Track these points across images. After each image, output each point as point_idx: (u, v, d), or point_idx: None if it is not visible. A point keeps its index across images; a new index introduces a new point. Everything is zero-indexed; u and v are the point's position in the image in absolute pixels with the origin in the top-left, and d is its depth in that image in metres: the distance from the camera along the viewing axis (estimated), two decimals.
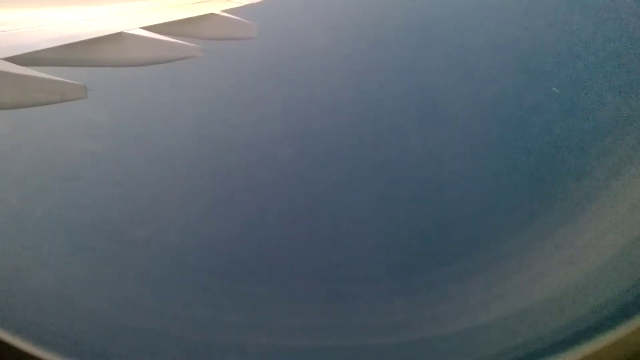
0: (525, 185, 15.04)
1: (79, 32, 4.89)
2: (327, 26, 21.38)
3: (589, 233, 10.68)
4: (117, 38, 5.15)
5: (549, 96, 17.86)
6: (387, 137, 17.31)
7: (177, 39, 6.03)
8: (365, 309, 10.54)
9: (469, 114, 17.28)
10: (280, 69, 19.63)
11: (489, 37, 21.16)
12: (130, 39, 5.31)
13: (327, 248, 13.37)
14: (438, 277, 11.39)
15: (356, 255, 13.09)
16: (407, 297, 10.63)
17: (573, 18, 20.72)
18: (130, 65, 5.71)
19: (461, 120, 17.28)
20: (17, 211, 12.90)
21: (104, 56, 5.17)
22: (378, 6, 22.73)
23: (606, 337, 2.83)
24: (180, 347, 9.14)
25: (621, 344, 2.77)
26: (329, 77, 19.14)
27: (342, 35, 21.03)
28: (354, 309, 10.61)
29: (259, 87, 18.50)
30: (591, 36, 20.03)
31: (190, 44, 6.12)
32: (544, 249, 11.20)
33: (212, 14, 6.71)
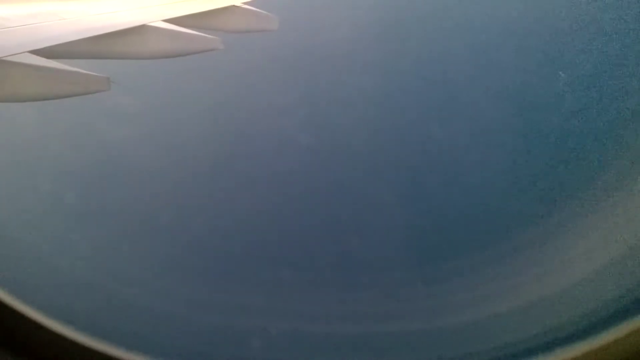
0: (537, 181, 14.85)
1: (102, 25, 4.95)
2: (347, 17, 21.24)
3: (595, 232, 10.53)
4: (140, 30, 5.19)
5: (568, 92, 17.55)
6: (406, 127, 17.22)
7: (199, 31, 6.05)
8: (381, 297, 10.56)
9: (488, 106, 17.10)
10: (301, 61, 19.60)
11: (504, 29, 20.85)
12: (153, 32, 5.35)
13: (345, 236, 13.40)
14: (438, 271, 11.35)
15: (373, 243, 13.11)
16: (421, 286, 10.63)
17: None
18: (153, 57, 5.75)
19: (479, 112, 17.11)
20: (47, 198, 13.19)
21: (127, 49, 5.23)
22: None
23: (607, 336, 2.79)
24: (201, 330, 9.26)
25: (622, 344, 2.73)
26: (351, 69, 19.07)
27: (363, 25, 20.88)
28: (371, 297, 10.63)
29: (280, 79, 18.50)
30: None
31: (211, 37, 6.14)
32: (549, 247, 11.08)
33: (233, 5, 6.72)
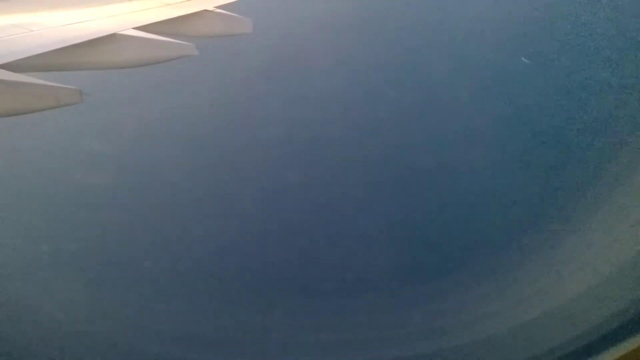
0: (536, 192, 14.87)
1: (71, 36, 4.82)
2: (322, 20, 21.28)
3: (597, 243, 10.53)
4: (111, 40, 5.08)
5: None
6: (390, 136, 17.13)
7: (172, 38, 5.95)
8: (375, 320, 10.44)
9: (484, 127, 17.18)
10: (277, 64, 19.52)
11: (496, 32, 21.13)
12: (124, 40, 5.24)
13: (336, 257, 13.21)
14: (434, 289, 11.28)
15: (365, 263, 12.94)
16: (418, 306, 10.53)
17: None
18: (125, 66, 5.64)
19: (475, 131, 17.16)
20: (18, 216, 12.86)
21: (98, 59, 5.11)
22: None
23: (612, 352, 2.77)
24: (191, 345, 9.12)
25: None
26: (326, 72, 19.05)
27: (338, 28, 20.93)
28: (364, 320, 10.50)
29: (257, 83, 18.39)
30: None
31: (185, 43, 6.04)
32: (545, 262, 11.10)
33: (205, 10, 6.63)
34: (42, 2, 5.76)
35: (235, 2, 7.22)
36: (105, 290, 11.09)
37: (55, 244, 12.08)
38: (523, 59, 19.77)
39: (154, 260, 12.10)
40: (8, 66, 4.11)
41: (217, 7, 6.83)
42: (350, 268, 12.50)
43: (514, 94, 18.63)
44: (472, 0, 24.16)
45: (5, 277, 10.76)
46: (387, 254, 12.83)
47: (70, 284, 10.99)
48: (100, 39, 4.95)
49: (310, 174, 15.20)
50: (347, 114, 17.67)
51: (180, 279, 11.85)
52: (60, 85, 4.55)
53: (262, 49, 18.06)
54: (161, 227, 13.68)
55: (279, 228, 13.84)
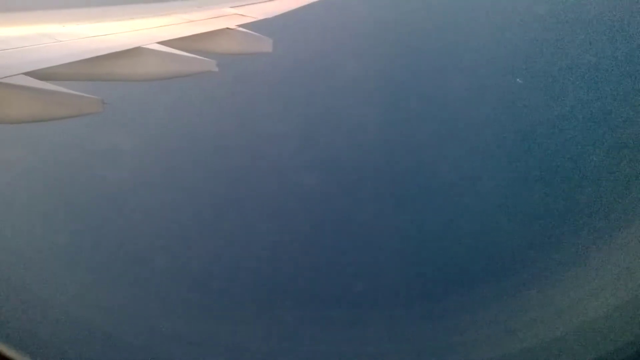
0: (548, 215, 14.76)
1: (97, 47, 4.96)
2: (342, 40, 21.48)
3: (610, 270, 10.38)
4: (135, 53, 5.21)
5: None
6: (407, 156, 17.16)
7: (193, 54, 6.08)
8: (385, 336, 10.35)
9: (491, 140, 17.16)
10: (296, 83, 19.71)
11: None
12: (148, 54, 5.37)
13: (348, 271, 13.17)
14: (440, 309, 11.17)
15: (375, 281, 12.88)
16: (424, 324, 10.43)
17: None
18: (147, 79, 5.76)
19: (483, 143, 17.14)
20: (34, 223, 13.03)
21: (121, 71, 5.24)
22: (394, 19, 22.84)
23: None
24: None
25: None
26: (346, 92, 19.19)
27: (357, 48, 21.11)
28: (374, 335, 10.42)
29: (275, 102, 18.57)
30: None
31: (206, 59, 6.16)
32: (557, 285, 10.96)
33: (227, 28, 6.75)
34: (71, 14, 5.93)
35: (256, 21, 7.35)
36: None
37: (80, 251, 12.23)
38: (518, 80, 19.85)
39: (172, 261, 12.19)
40: (35, 74, 4.23)
41: (239, 26, 6.96)
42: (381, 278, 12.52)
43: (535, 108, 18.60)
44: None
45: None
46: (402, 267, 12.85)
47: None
48: (125, 52, 5.08)
49: (331, 183, 15.31)
50: (365, 135, 17.78)
51: (191, 280, 11.90)
52: (84, 94, 4.68)
53: (281, 68, 18.27)
54: (178, 229, 13.80)
55: (293, 234, 13.91)
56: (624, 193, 14.34)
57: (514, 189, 15.91)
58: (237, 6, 7.45)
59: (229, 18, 7.13)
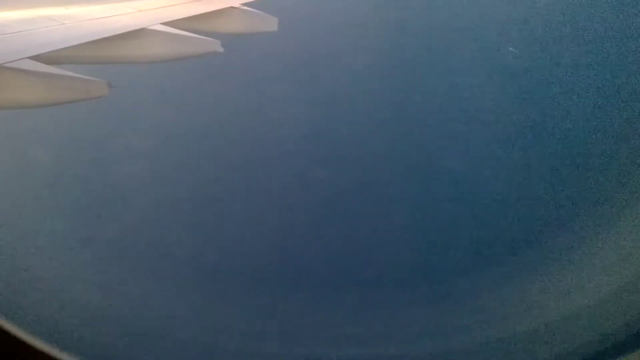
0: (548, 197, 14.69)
1: (101, 29, 4.92)
2: (349, 17, 21.26)
3: (610, 253, 10.33)
4: (139, 34, 5.16)
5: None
6: (415, 138, 17.06)
7: (198, 34, 6.02)
8: (389, 317, 10.41)
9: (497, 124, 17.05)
10: (302, 64, 19.53)
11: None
12: (152, 35, 5.32)
13: (353, 252, 13.22)
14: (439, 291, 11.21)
15: (380, 263, 12.92)
16: (426, 307, 10.48)
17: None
18: (152, 61, 5.72)
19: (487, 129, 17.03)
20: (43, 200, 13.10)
21: (126, 53, 5.20)
22: None
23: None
24: (210, 355, 9.16)
25: None
26: (350, 71, 19.03)
27: (363, 26, 20.88)
28: (378, 317, 10.48)
29: (280, 82, 18.43)
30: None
31: (210, 39, 6.10)
32: (556, 269, 10.95)
33: (231, 7, 6.68)
34: None
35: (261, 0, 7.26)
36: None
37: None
38: (510, 48, 19.63)
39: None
40: (40, 58, 4.21)
41: (243, 5, 6.88)
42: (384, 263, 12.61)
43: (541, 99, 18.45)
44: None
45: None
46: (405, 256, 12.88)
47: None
48: (129, 33, 5.04)
49: (334, 169, 15.28)
50: (371, 113, 17.67)
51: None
52: (90, 77, 4.65)
53: (286, 47, 18.10)
54: (180, 220, 13.86)
55: (298, 223, 13.97)
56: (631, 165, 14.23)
57: (512, 162, 15.84)
58: None
59: None
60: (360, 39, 20.30)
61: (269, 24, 7.15)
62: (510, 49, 19.73)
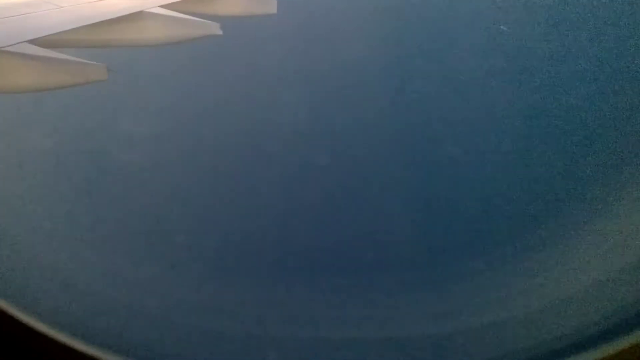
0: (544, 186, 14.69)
1: (99, 12, 4.88)
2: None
3: (609, 236, 10.36)
4: (137, 17, 5.13)
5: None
6: (413, 125, 17.01)
7: (196, 17, 5.98)
8: (387, 300, 10.49)
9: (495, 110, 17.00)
10: (302, 47, 19.40)
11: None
12: (150, 18, 5.28)
13: (352, 236, 13.28)
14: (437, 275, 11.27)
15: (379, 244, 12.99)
16: (424, 289, 10.55)
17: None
18: (150, 45, 5.69)
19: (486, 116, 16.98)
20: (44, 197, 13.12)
21: (124, 36, 5.17)
22: None
23: (610, 347, 2.77)
24: (211, 339, 9.23)
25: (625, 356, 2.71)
26: (350, 52, 18.88)
27: (363, 9, 20.71)
28: (377, 301, 10.56)
29: (280, 66, 18.33)
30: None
31: (209, 22, 6.06)
32: (555, 251, 11.00)
33: None
34: None
35: None
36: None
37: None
38: (502, 27, 19.49)
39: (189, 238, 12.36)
40: (37, 42, 4.19)
41: None
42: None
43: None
44: None
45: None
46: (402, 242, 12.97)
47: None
48: (127, 17, 5.00)
49: (335, 154, 15.28)
50: (373, 99, 17.62)
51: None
52: (88, 61, 4.63)
53: (286, 29, 17.96)
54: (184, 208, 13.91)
55: (301, 212, 14.03)
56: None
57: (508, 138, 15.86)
58: None
59: None
60: (360, 21, 20.15)
61: (268, 6, 7.10)
62: (502, 27, 19.57)
